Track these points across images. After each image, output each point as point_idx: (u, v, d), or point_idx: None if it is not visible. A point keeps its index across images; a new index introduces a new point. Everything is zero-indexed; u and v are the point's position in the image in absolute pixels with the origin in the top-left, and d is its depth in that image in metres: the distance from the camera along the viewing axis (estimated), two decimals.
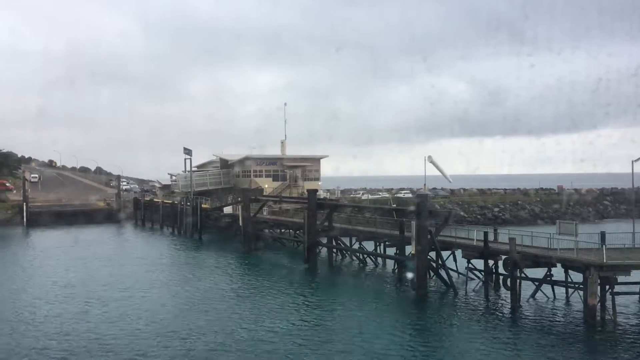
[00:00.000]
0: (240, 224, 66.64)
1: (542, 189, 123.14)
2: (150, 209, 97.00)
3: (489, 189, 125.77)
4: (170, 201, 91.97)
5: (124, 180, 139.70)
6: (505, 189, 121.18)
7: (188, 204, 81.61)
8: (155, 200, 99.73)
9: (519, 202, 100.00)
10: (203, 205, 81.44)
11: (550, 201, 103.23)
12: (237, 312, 37.14)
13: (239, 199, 72.16)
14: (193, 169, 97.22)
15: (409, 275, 42.62)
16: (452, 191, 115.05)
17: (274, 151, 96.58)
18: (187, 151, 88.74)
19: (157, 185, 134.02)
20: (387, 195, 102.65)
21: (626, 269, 32.97)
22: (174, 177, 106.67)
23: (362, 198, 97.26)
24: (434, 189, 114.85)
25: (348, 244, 57.86)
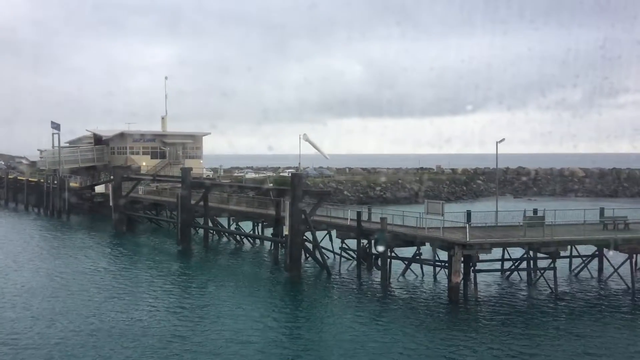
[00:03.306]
0: (111, 203, 62.50)
1: (422, 168, 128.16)
2: (15, 188, 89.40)
3: (374, 169, 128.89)
4: (35, 179, 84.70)
5: None
6: (389, 168, 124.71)
7: (55, 182, 75.47)
8: (19, 178, 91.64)
9: (400, 180, 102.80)
10: (72, 184, 75.67)
11: (429, 180, 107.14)
12: (101, 297, 34.42)
13: (110, 176, 67.61)
14: (65, 144, 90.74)
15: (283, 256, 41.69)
16: (337, 170, 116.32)
17: (156, 127, 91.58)
18: (55, 125, 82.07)
19: (25, 162, 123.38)
20: (272, 174, 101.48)
21: (487, 247, 34.01)
22: (42, 154, 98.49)
23: (247, 177, 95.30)
24: (320, 167, 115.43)
25: (226, 224, 55.98)
